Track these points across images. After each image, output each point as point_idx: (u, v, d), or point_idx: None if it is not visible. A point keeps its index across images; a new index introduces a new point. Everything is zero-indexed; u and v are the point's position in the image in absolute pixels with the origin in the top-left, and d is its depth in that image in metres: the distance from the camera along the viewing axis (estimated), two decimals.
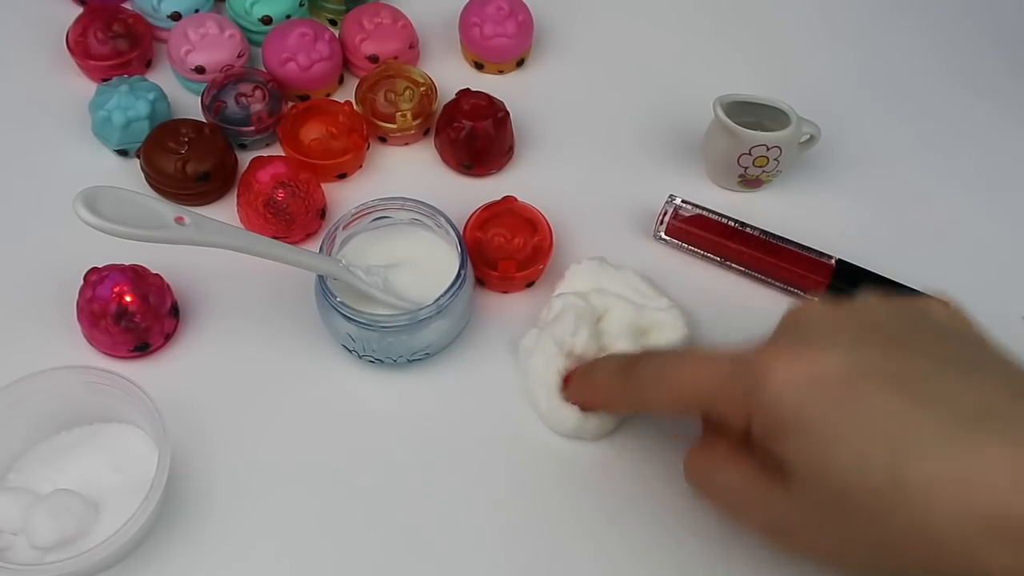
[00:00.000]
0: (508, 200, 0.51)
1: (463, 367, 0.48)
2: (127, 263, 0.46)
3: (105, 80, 0.55)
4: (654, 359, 0.39)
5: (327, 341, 0.48)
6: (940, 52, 0.64)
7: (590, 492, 0.44)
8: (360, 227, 0.48)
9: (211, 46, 0.56)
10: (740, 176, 0.54)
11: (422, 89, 0.56)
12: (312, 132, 0.54)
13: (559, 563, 0.42)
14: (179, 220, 0.39)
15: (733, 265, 0.52)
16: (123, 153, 0.54)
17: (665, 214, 0.52)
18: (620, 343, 0.46)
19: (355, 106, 0.55)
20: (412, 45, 0.59)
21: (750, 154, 0.52)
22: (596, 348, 0.45)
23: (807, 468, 0.32)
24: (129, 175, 0.54)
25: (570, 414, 0.44)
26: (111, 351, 0.46)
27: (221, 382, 0.47)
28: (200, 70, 0.56)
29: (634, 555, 0.42)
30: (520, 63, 0.61)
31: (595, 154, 0.57)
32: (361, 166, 0.56)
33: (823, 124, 0.54)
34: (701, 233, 0.52)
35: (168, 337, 0.48)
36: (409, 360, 0.47)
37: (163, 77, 0.58)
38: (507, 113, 0.54)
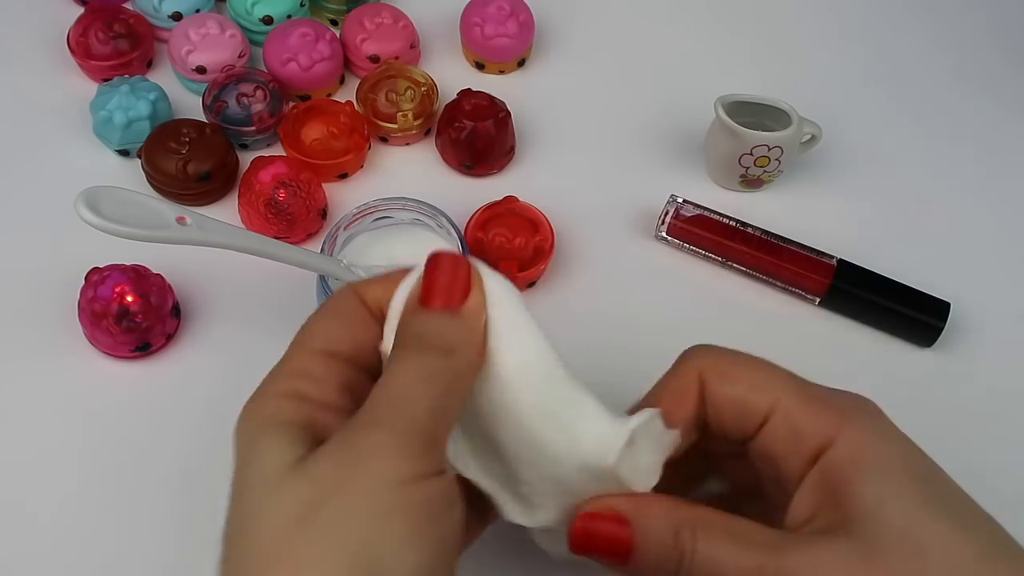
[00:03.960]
0: (509, 200, 0.51)
1: None
2: (128, 263, 0.46)
3: (106, 80, 0.55)
4: None
5: None
6: (941, 51, 0.64)
7: None
8: (361, 227, 0.48)
9: (212, 46, 0.56)
10: (741, 176, 0.54)
11: (423, 89, 0.56)
12: (313, 132, 0.54)
13: None
14: (180, 220, 0.39)
15: (734, 265, 0.52)
16: (124, 153, 0.54)
17: (666, 214, 0.52)
18: None
19: (356, 106, 0.55)
20: (413, 45, 0.59)
21: (751, 154, 0.52)
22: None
23: None
24: (130, 175, 0.54)
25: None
26: (112, 351, 0.46)
27: (223, 382, 0.47)
28: (201, 70, 0.56)
29: None
30: (521, 63, 0.61)
31: (596, 154, 0.57)
32: (362, 166, 0.56)
33: (824, 124, 0.54)
34: (702, 233, 0.52)
35: (169, 337, 0.48)
36: None
37: (164, 77, 0.58)
38: (508, 113, 0.54)
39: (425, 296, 0.30)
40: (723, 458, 0.35)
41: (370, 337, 0.31)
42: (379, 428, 0.27)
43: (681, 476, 0.33)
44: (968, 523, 0.28)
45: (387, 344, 0.31)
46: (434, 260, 0.30)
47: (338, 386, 0.30)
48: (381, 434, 0.26)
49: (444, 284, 0.30)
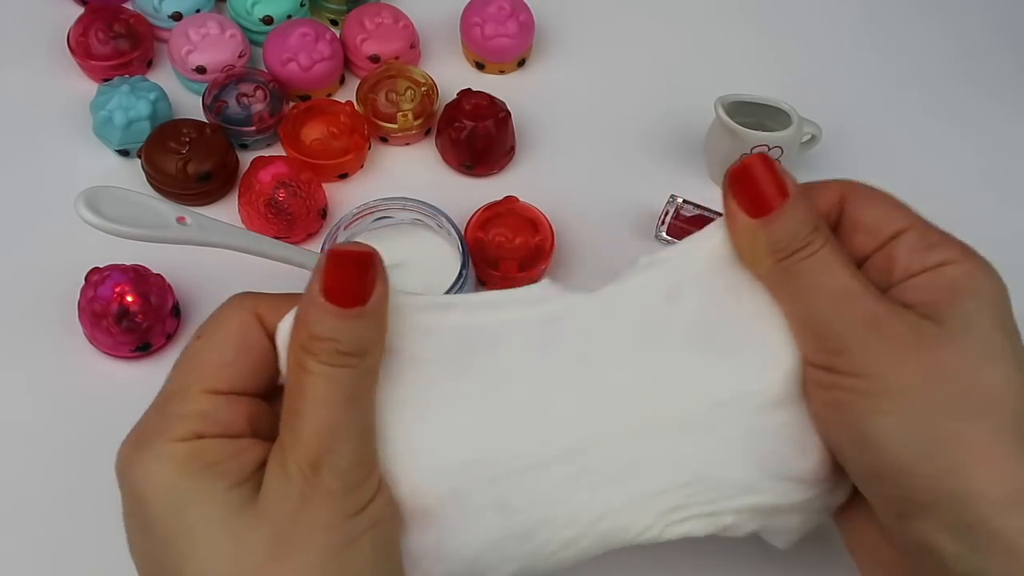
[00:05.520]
0: (509, 200, 0.51)
1: None
2: (128, 263, 0.46)
3: (106, 80, 0.55)
4: None
5: None
6: (943, 50, 0.64)
7: None
8: (361, 227, 0.48)
9: (212, 46, 0.56)
10: None
11: (423, 89, 0.56)
12: (313, 132, 0.54)
13: None
14: (180, 220, 0.39)
15: None
16: (124, 153, 0.54)
17: (666, 214, 0.52)
18: None
19: (356, 106, 0.55)
20: (413, 45, 0.59)
21: (751, 154, 0.52)
22: None
23: None
24: (130, 175, 0.54)
25: None
26: (112, 351, 0.46)
27: None
28: (201, 70, 0.56)
29: None
30: (521, 63, 0.61)
31: (596, 154, 0.57)
32: (362, 166, 0.56)
33: (824, 124, 0.54)
34: None
35: (170, 337, 0.48)
36: None
37: (164, 77, 0.58)
38: (508, 113, 0.54)
39: (329, 293, 0.27)
40: None
41: (271, 363, 0.29)
42: (324, 465, 0.26)
43: None
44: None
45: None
46: (333, 257, 0.28)
47: (247, 421, 0.29)
48: (324, 475, 0.26)
49: (347, 279, 0.27)
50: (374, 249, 0.29)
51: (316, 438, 0.26)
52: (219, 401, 0.28)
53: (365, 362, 0.28)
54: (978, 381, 0.29)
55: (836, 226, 0.34)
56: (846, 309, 0.31)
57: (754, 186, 0.32)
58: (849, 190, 0.35)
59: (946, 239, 0.33)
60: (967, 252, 0.32)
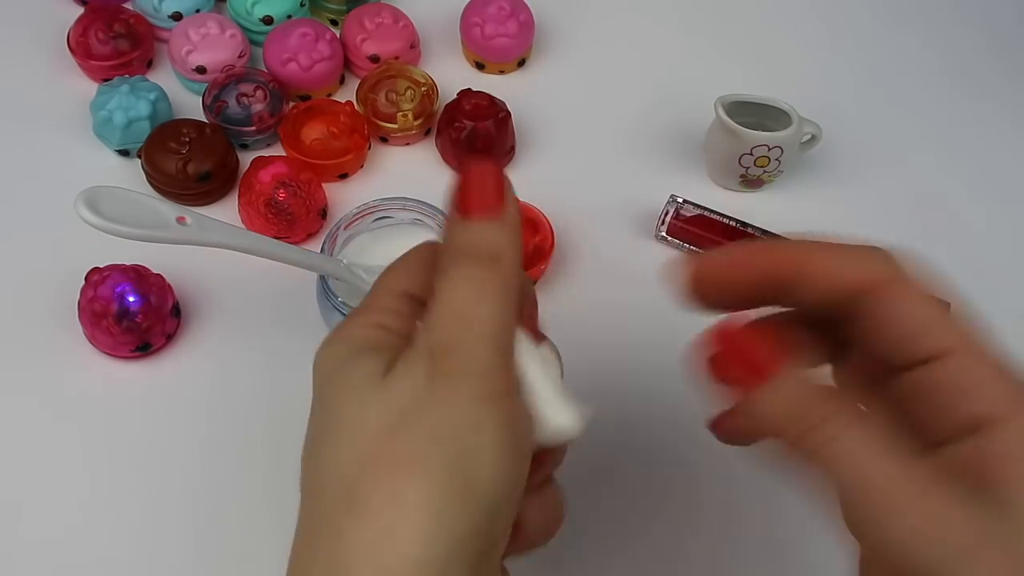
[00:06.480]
0: None
1: None
2: (128, 263, 0.46)
3: (106, 80, 0.55)
4: None
5: None
6: (941, 52, 0.64)
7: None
8: (361, 227, 0.48)
9: (212, 46, 0.56)
10: (741, 176, 0.54)
11: (423, 89, 0.56)
12: (313, 132, 0.54)
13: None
14: (180, 220, 0.39)
15: None
16: (124, 153, 0.54)
17: (666, 214, 0.52)
18: None
19: (356, 106, 0.55)
20: (413, 45, 0.59)
21: (751, 154, 0.52)
22: None
23: None
24: (130, 175, 0.54)
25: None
26: (112, 351, 0.46)
27: (223, 382, 0.47)
28: (201, 70, 0.56)
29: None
30: (521, 63, 0.61)
31: (596, 154, 0.57)
32: (362, 166, 0.56)
33: (824, 124, 0.54)
34: (702, 233, 0.52)
35: (170, 337, 0.48)
36: None
37: (164, 77, 0.58)
38: (508, 113, 0.54)
39: (464, 205, 0.29)
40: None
41: None
42: (455, 349, 0.27)
43: None
44: None
45: None
46: (466, 171, 0.30)
47: (415, 321, 0.30)
48: (458, 355, 0.27)
49: (480, 191, 0.29)
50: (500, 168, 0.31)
51: (443, 326, 0.28)
52: (397, 299, 0.31)
53: (499, 265, 0.29)
54: None
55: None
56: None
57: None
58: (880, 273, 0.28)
59: (995, 373, 0.26)
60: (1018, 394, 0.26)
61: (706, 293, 0.32)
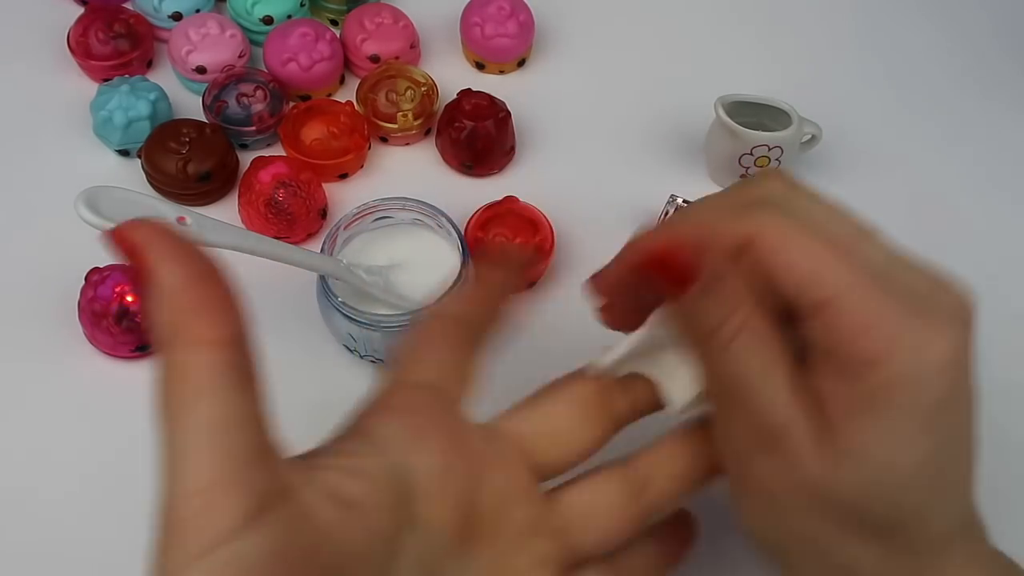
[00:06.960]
0: (509, 200, 0.51)
1: None
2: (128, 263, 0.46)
3: (106, 80, 0.55)
4: None
5: (328, 341, 0.47)
6: (943, 50, 0.64)
7: None
8: (361, 227, 0.48)
9: (212, 46, 0.56)
10: (742, 176, 0.54)
11: (423, 89, 0.56)
12: (313, 132, 0.54)
13: None
14: (180, 220, 0.39)
15: None
16: (124, 153, 0.54)
17: (666, 214, 0.52)
18: None
19: (356, 106, 0.55)
20: (413, 45, 0.59)
21: (751, 154, 0.52)
22: None
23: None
24: (130, 175, 0.54)
25: None
26: (113, 351, 0.46)
27: None
28: (201, 70, 0.56)
29: None
30: (521, 63, 0.61)
31: (596, 154, 0.57)
32: (362, 166, 0.56)
33: (825, 124, 0.54)
34: None
35: None
36: None
37: (164, 77, 0.58)
38: (508, 113, 0.54)
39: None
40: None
41: None
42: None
43: None
44: None
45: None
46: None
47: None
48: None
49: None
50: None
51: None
52: None
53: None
54: None
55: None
56: None
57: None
58: (761, 231, 0.28)
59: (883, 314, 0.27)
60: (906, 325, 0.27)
61: (622, 310, 0.34)
